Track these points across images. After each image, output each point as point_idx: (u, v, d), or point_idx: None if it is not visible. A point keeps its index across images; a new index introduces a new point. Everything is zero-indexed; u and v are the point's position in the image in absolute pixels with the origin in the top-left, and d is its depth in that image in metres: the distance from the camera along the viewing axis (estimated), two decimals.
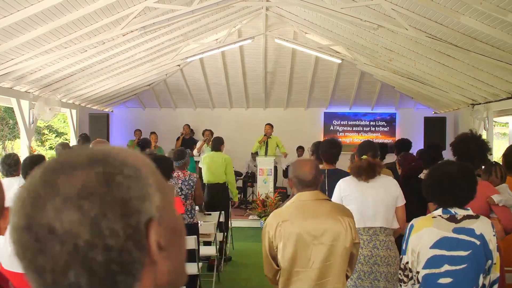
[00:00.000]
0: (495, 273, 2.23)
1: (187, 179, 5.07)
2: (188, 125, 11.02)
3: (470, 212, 2.26)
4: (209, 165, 6.51)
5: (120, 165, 0.61)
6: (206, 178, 6.54)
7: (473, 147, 3.32)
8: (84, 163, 0.60)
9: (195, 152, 9.48)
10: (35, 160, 3.65)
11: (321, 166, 3.84)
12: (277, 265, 2.49)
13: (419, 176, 4.29)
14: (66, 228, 0.56)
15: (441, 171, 2.33)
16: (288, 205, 2.57)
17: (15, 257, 0.60)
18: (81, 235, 0.56)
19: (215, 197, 6.39)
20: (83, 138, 7.18)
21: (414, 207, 3.56)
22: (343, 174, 3.80)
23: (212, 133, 9.86)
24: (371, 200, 3.27)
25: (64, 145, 5.52)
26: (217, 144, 6.64)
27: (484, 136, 8.80)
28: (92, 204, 0.57)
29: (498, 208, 3.17)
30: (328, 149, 4.03)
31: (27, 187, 0.61)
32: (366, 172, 3.28)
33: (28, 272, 0.59)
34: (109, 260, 0.57)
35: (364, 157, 3.37)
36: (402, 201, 3.36)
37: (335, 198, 3.34)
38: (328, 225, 2.41)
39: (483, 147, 3.39)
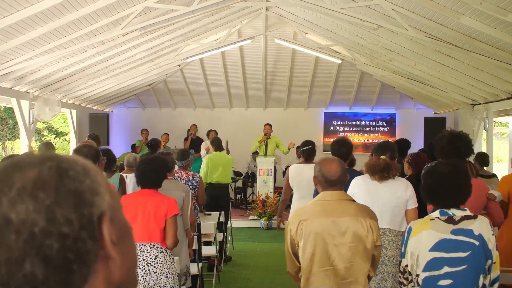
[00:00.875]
0: (495, 272, 2.23)
1: (190, 179, 5.08)
2: (195, 125, 11.00)
3: (468, 213, 2.26)
4: (221, 165, 6.47)
5: (72, 162, 0.64)
6: (212, 178, 6.49)
7: (462, 145, 3.31)
8: (36, 161, 0.63)
9: (203, 153, 9.40)
10: None
11: None
12: (299, 262, 2.51)
13: None
14: (22, 218, 0.57)
15: (436, 173, 2.32)
16: (311, 203, 2.59)
17: None
18: (37, 223, 0.57)
19: (217, 198, 6.38)
20: (93, 139, 7.15)
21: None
22: (355, 173, 3.80)
23: (216, 133, 9.89)
24: (378, 200, 3.26)
25: (48, 145, 5.53)
26: (220, 144, 6.67)
27: (484, 136, 8.84)
28: (46, 194, 0.59)
29: (493, 204, 3.21)
30: (338, 148, 4.04)
31: None
32: (381, 172, 3.27)
33: None
34: (65, 248, 0.58)
35: (382, 157, 3.36)
36: (413, 204, 3.34)
37: None
38: (349, 225, 2.41)
39: (470, 144, 3.38)
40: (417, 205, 3.35)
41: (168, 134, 10.33)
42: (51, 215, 0.58)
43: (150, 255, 3.25)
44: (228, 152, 7.96)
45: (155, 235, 3.25)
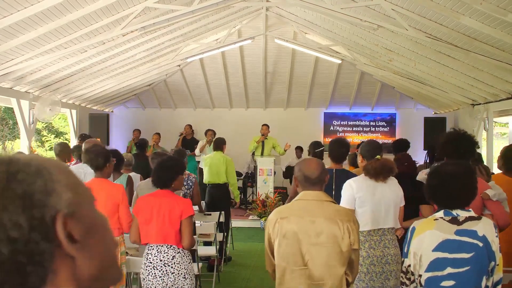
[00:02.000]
0: (498, 274, 2.21)
1: (185, 179, 5.07)
2: (190, 125, 11.03)
3: (472, 214, 2.24)
4: (211, 165, 6.50)
5: (23, 165, 0.63)
6: (207, 179, 6.54)
7: (463, 144, 3.29)
8: None
9: (197, 151, 9.49)
10: None
11: (327, 166, 3.82)
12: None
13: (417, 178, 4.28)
14: None
15: (442, 173, 2.30)
16: (291, 203, 2.59)
17: None
18: None
19: (216, 198, 6.38)
20: (83, 138, 7.17)
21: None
22: (350, 175, 3.78)
23: (214, 133, 9.87)
24: (382, 201, 3.26)
25: (62, 145, 5.53)
26: (219, 144, 6.64)
27: (484, 136, 8.84)
28: None
29: (492, 203, 3.16)
30: (337, 149, 4.02)
31: None
32: (388, 172, 3.25)
33: None
34: (15, 251, 0.58)
35: (378, 157, 3.35)
36: (403, 202, 3.37)
37: (346, 198, 3.29)
38: (324, 226, 2.41)
39: (473, 142, 3.36)
40: (404, 202, 3.36)
41: (159, 134, 10.34)
42: None
43: (167, 255, 3.24)
44: None
45: (170, 237, 3.23)
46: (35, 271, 0.59)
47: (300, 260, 2.42)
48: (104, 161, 3.68)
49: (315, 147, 4.79)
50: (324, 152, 4.79)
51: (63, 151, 5.33)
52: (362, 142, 3.91)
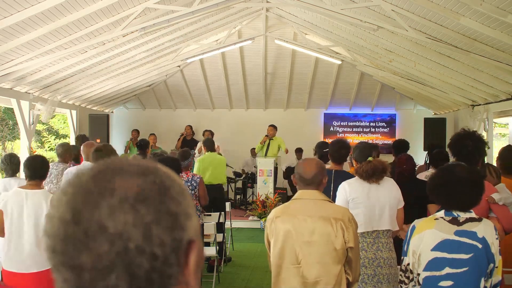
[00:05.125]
0: (496, 277, 2.21)
1: (190, 179, 5.08)
2: (190, 126, 11.06)
3: (473, 215, 2.24)
4: (210, 166, 6.50)
5: (171, 179, 0.62)
6: (207, 180, 6.52)
7: (470, 143, 3.28)
8: (137, 170, 0.60)
9: (196, 153, 9.50)
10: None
11: (328, 167, 3.82)
12: None
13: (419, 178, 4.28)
14: (119, 229, 0.55)
15: (449, 174, 2.29)
16: (289, 202, 2.64)
17: (47, 251, 0.58)
18: (133, 238, 0.55)
19: (214, 198, 6.38)
20: (81, 138, 7.17)
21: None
22: (348, 176, 3.78)
23: (212, 133, 9.88)
24: (377, 202, 3.25)
25: (65, 145, 5.53)
26: (212, 145, 6.68)
27: (484, 137, 8.83)
28: (147, 210, 0.57)
29: (497, 207, 3.14)
30: (337, 150, 4.02)
31: (74, 183, 0.60)
32: (381, 173, 3.24)
33: (61, 268, 0.57)
34: (153, 269, 0.56)
35: (370, 158, 3.34)
36: (401, 203, 3.35)
37: (339, 201, 3.30)
38: (318, 225, 2.43)
39: (480, 142, 3.35)
40: (403, 203, 3.34)
41: (155, 135, 10.37)
42: (148, 233, 0.56)
43: None
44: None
45: None
46: None
47: (294, 258, 2.45)
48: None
49: (322, 147, 4.77)
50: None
51: (66, 151, 5.34)
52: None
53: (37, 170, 3.39)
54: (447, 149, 3.57)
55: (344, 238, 2.41)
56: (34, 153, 5.59)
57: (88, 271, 0.55)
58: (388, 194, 3.28)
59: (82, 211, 0.56)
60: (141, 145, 7.01)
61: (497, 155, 4.03)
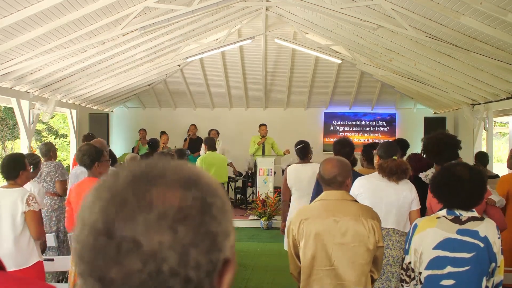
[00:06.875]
0: (498, 276, 2.21)
1: None
2: (194, 125, 11.04)
3: (475, 214, 2.23)
4: (212, 164, 6.50)
5: (213, 194, 0.58)
6: None
7: (443, 147, 3.33)
8: (178, 180, 0.56)
9: (202, 152, 9.44)
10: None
11: None
12: (301, 263, 2.50)
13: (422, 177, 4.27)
14: (154, 248, 0.52)
15: (452, 173, 2.29)
16: (313, 203, 2.58)
17: (74, 255, 0.55)
18: (168, 260, 0.52)
19: None
20: (89, 138, 7.17)
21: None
22: (355, 175, 3.78)
23: (218, 133, 9.92)
24: (383, 201, 3.25)
25: (48, 145, 5.56)
26: (213, 144, 6.70)
27: (484, 136, 8.84)
28: (186, 231, 0.54)
29: (493, 209, 3.20)
30: (340, 148, 4.02)
31: (110, 187, 0.56)
32: (402, 173, 3.25)
33: (88, 278, 0.54)
34: None
35: (394, 157, 3.34)
36: (417, 205, 3.34)
37: None
38: (350, 226, 2.39)
39: (455, 145, 3.38)
40: (420, 206, 3.34)
41: (167, 134, 10.35)
42: (185, 257, 0.53)
43: None
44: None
45: None
46: None
47: (326, 261, 2.40)
48: (91, 160, 3.65)
49: (295, 145, 4.75)
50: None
51: (50, 150, 5.39)
52: (377, 143, 3.91)
53: (10, 171, 3.44)
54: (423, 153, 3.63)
55: (376, 237, 2.40)
56: (34, 153, 5.59)
57: (117, 286, 0.52)
58: (397, 194, 3.28)
59: (116, 223, 0.53)
60: (152, 144, 6.97)
61: (508, 153, 4.10)
